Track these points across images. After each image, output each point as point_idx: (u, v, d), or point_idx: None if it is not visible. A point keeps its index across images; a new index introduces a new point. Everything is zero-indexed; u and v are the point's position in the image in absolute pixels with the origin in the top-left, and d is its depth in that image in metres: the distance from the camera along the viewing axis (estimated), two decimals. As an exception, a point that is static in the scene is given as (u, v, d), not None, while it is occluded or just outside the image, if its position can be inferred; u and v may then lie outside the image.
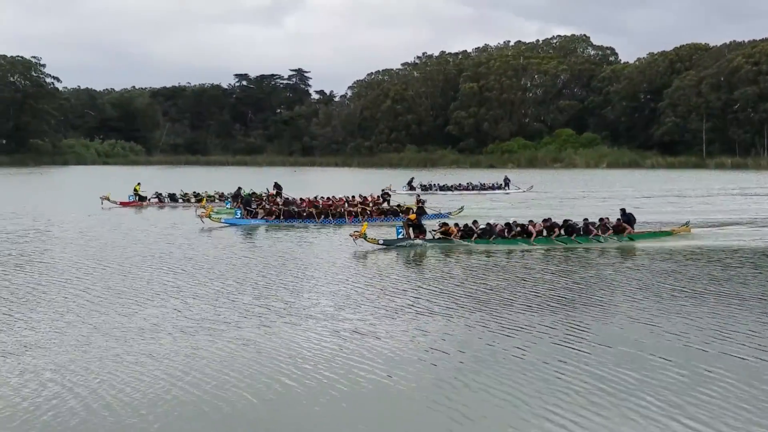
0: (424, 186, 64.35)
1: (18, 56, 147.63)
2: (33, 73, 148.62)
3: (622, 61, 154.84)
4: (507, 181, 65.59)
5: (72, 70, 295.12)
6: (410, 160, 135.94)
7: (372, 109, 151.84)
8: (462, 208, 39.89)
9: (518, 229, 27.35)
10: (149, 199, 47.29)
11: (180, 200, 46.79)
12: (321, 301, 17.62)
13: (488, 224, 27.85)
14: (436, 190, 63.24)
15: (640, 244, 27.40)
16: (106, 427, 9.98)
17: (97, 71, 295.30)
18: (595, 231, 27.55)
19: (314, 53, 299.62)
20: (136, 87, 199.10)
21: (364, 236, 26.14)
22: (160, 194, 47.34)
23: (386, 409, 10.76)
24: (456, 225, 28.14)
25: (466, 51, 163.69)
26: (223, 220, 34.80)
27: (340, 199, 40.08)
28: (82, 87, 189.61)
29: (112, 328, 14.81)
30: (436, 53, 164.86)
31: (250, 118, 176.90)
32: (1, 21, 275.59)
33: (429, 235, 27.61)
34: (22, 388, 11.40)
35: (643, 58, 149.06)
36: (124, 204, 45.00)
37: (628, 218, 28.75)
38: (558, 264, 23.46)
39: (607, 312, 16.53)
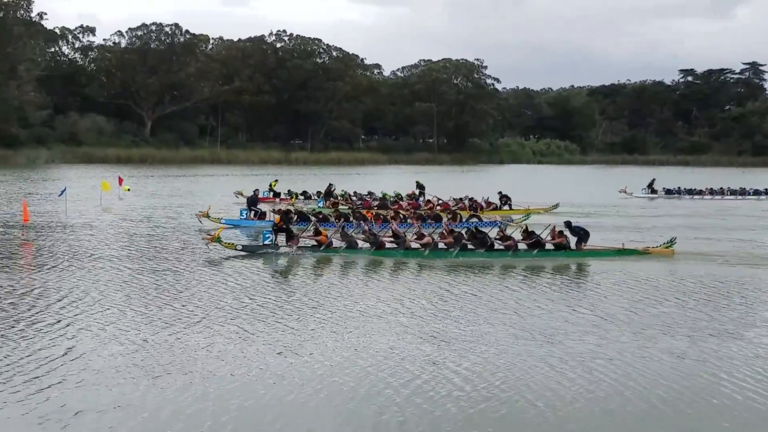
0: (669, 190, 57.98)
1: (462, 59, 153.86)
2: (475, 75, 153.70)
3: None
4: None
5: (512, 71, 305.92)
6: None
7: None
8: (529, 215, 34.52)
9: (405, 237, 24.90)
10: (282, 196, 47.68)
11: (311, 197, 46.54)
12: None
13: (372, 233, 25.32)
14: (684, 194, 57.22)
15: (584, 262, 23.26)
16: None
17: (536, 72, 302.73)
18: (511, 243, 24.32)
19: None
20: (575, 86, 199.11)
21: (219, 240, 23.60)
22: (292, 192, 47.95)
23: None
24: (343, 229, 26.50)
25: None
26: (222, 221, 32.17)
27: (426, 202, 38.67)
28: (520, 87, 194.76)
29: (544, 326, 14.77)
30: None
31: (694, 116, 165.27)
32: (451, 26, 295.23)
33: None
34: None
35: None
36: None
37: (576, 233, 24.90)
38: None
39: None
